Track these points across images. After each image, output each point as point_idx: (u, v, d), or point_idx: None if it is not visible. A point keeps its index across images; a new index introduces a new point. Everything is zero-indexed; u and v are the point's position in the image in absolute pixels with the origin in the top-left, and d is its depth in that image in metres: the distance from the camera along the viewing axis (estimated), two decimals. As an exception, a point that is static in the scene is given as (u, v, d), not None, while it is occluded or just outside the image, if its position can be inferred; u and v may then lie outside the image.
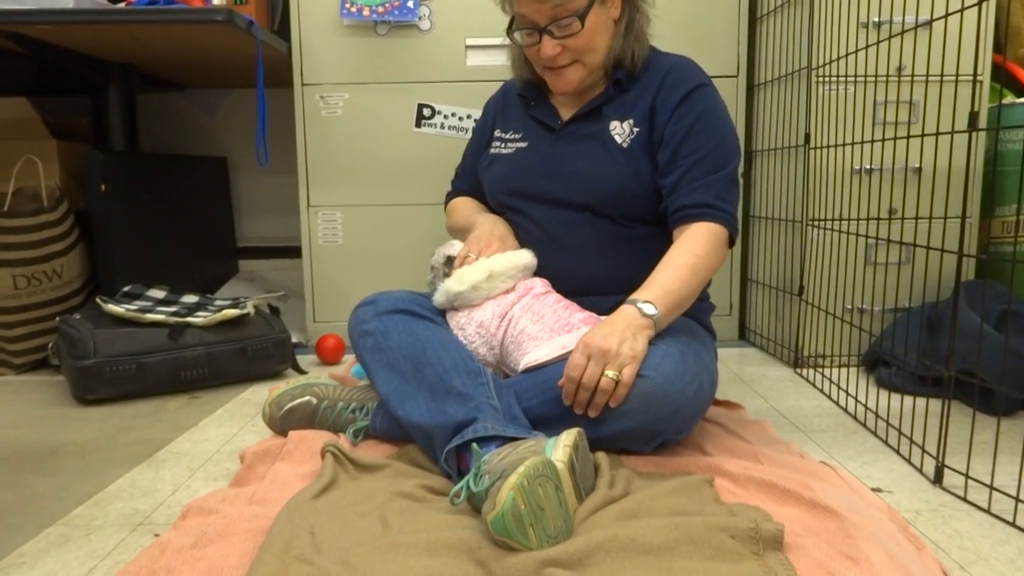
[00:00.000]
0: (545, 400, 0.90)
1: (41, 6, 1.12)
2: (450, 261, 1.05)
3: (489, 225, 1.07)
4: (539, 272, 1.05)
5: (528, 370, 0.94)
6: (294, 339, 1.57)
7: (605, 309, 0.98)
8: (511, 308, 0.99)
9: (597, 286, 1.02)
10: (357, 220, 1.57)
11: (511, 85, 1.13)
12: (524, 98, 1.09)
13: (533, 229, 1.05)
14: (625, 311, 0.89)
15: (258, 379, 1.36)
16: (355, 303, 1.06)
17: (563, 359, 0.90)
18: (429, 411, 0.88)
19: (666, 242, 0.98)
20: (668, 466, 0.88)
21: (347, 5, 1.39)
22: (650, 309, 0.88)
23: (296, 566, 0.63)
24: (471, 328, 1.00)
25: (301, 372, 1.41)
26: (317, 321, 1.61)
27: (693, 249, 0.93)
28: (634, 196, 1.00)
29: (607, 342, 0.85)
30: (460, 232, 1.15)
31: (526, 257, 1.03)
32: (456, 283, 1.00)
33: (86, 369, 1.16)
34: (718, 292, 1.56)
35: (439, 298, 1.01)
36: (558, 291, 1.03)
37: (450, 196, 1.24)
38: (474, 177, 1.19)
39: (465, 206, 1.18)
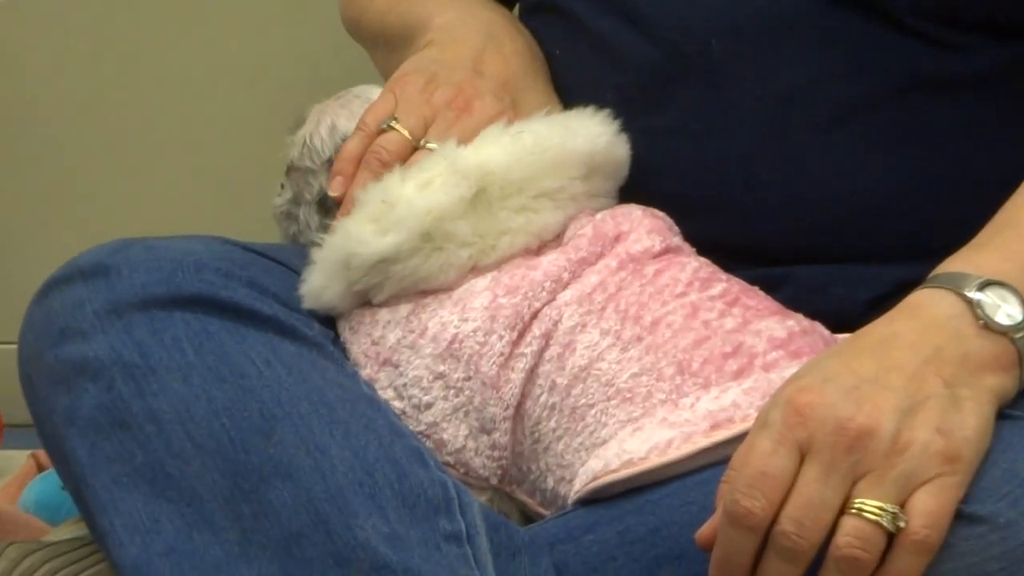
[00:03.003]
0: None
1: None
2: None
3: (483, 28, 1.11)
4: (654, 193, 1.03)
5: (594, 499, 0.91)
6: None
7: (857, 306, 0.97)
8: (556, 294, 0.96)
9: (834, 233, 1.02)
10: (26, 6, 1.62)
11: None
12: None
13: (635, 46, 1.04)
14: (925, 311, 0.86)
15: None
16: (34, 277, 1.05)
17: (719, 461, 0.86)
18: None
19: None
20: None
21: None
22: (1007, 306, 0.85)
23: None
24: (420, 360, 0.97)
25: None
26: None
27: None
28: None
29: (864, 407, 0.80)
30: (378, 37, 1.19)
31: (604, 136, 1.01)
32: (380, 220, 0.98)
33: None
34: None
35: (329, 257, 1.00)
36: (707, 248, 1.01)
37: None
38: None
39: None
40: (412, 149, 1.04)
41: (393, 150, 1.03)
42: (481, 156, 0.98)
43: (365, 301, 1.02)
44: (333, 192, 1.05)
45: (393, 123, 1.03)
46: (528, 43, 1.13)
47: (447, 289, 1.00)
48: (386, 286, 0.99)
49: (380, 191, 0.99)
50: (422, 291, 1.00)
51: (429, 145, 1.02)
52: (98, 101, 1.72)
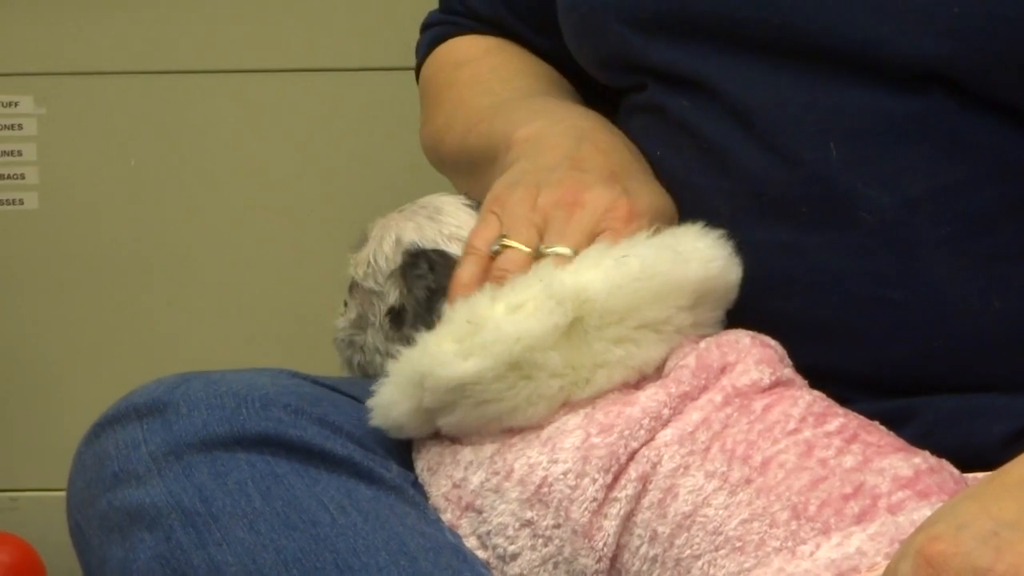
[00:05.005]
0: None
1: None
2: (434, 269, 1.03)
3: (573, 132, 1.08)
4: (764, 314, 1.00)
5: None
6: None
7: (990, 442, 0.94)
8: (655, 433, 0.93)
9: (966, 358, 0.99)
10: (79, 123, 1.64)
11: None
12: None
13: (747, 151, 1.02)
14: None
15: None
16: (83, 416, 1.05)
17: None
18: None
19: None
20: None
21: None
22: None
23: None
24: (505, 506, 0.93)
25: None
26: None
27: None
28: None
29: (1004, 556, 0.76)
30: (460, 162, 1.19)
31: (717, 261, 0.98)
32: (463, 341, 0.95)
33: None
34: None
35: (404, 370, 0.97)
36: (821, 377, 0.98)
37: (433, 35, 1.28)
38: None
39: (487, 67, 1.22)
40: (533, 261, 1.01)
41: (515, 268, 1.00)
42: (580, 281, 0.94)
43: (437, 430, 0.98)
44: None
45: (505, 241, 1.00)
46: (624, 139, 1.11)
47: (535, 427, 0.95)
48: (459, 409, 0.95)
49: (467, 310, 0.95)
50: (507, 428, 0.96)
51: (555, 250, 0.99)
52: (148, 221, 1.70)
